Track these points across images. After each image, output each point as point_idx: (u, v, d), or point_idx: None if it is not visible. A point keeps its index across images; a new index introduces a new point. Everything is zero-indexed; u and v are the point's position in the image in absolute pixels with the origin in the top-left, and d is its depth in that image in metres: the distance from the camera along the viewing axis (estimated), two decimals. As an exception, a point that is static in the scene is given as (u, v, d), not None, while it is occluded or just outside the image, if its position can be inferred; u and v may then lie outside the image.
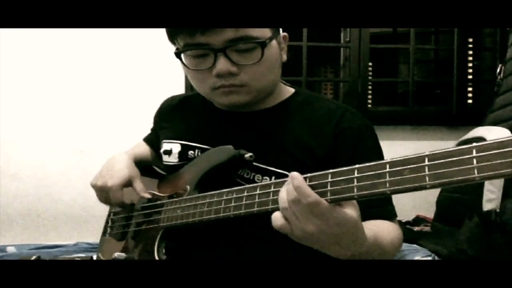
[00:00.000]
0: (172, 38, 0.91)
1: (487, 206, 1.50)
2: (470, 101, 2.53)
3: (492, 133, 1.64)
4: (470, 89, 2.52)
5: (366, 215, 0.82)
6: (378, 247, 0.76)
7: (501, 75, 1.88)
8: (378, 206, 0.87)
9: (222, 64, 0.86)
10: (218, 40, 0.85)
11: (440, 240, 1.58)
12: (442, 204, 1.79)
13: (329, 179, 0.64)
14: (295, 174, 0.65)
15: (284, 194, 0.66)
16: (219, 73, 0.87)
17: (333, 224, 0.63)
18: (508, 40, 1.89)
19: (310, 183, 0.65)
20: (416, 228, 1.89)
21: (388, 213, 0.91)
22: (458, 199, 1.67)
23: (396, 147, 1.30)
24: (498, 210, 1.45)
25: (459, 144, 1.83)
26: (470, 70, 2.55)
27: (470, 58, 2.55)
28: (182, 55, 0.90)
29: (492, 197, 1.50)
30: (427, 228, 1.87)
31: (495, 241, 1.34)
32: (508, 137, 0.49)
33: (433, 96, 2.84)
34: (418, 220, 2.03)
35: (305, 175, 0.66)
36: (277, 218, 0.67)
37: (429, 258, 1.49)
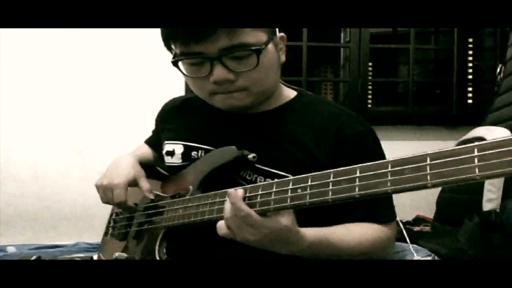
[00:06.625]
0: (168, 46, 0.91)
1: (487, 206, 1.50)
2: (470, 101, 2.52)
3: (492, 133, 1.64)
4: (470, 89, 2.52)
5: (353, 217, 0.88)
6: (332, 247, 0.81)
7: (501, 75, 1.88)
8: (367, 209, 0.88)
9: (219, 72, 0.86)
10: (212, 49, 0.85)
11: (440, 240, 1.57)
12: (442, 204, 1.79)
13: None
14: (231, 191, 0.73)
15: (227, 206, 0.74)
16: (216, 81, 0.88)
17: (266, 233, 0.72)
18: (508, 40, 1.89)
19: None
20: (416, 228, 1.89)
21: (380, 216, 0.91)
22: (458, 199, 1.67)
23: (396, 147, 1.29)
24: (498, 210, 1.45)
25: (459, 144, 1.82)
26: (470, 70, 2.55)
27: (470, 58, 2.54)
28: (179, 63, 0.90)
29: (492, 197, 1.50)
30: (427, 228, 1.87)
31: (495, 241, 1.34)
32: (509, 136, 0.49)
33: (433, 96, 2.84)
34: (418, 220, 2.03)
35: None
36: (221, 227, 0.76)
37: (429, 258, 1.49)
